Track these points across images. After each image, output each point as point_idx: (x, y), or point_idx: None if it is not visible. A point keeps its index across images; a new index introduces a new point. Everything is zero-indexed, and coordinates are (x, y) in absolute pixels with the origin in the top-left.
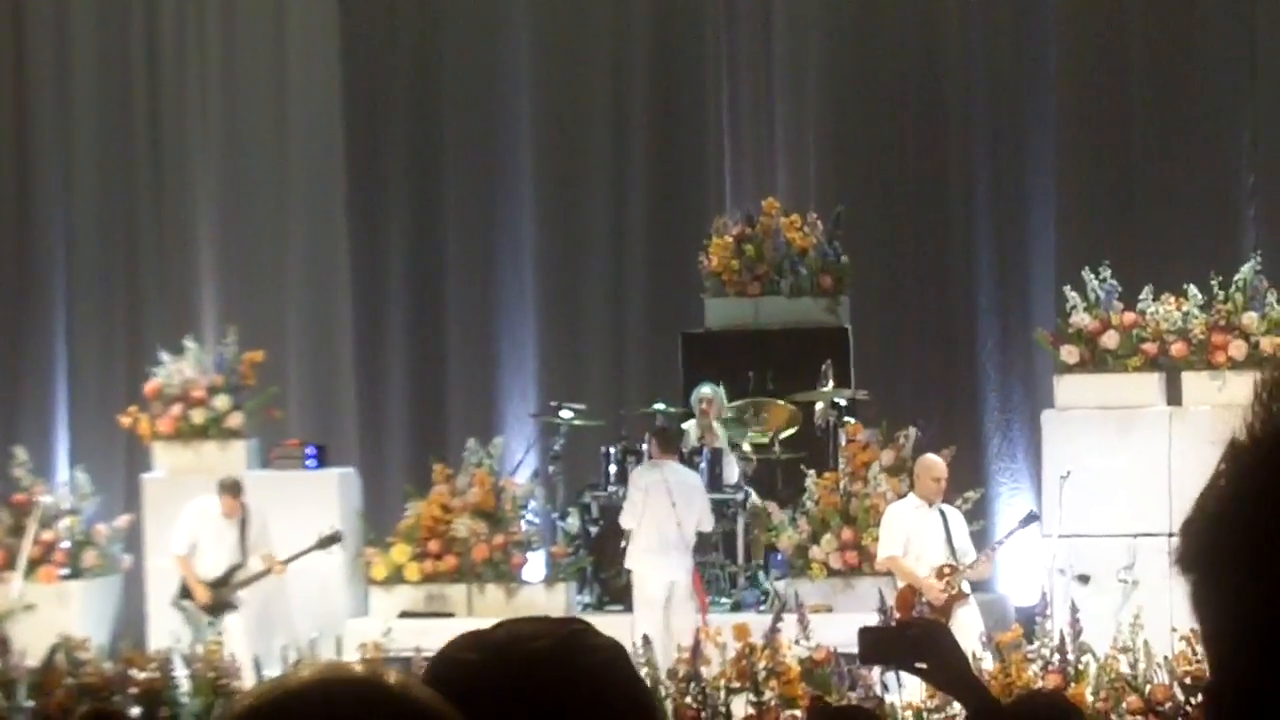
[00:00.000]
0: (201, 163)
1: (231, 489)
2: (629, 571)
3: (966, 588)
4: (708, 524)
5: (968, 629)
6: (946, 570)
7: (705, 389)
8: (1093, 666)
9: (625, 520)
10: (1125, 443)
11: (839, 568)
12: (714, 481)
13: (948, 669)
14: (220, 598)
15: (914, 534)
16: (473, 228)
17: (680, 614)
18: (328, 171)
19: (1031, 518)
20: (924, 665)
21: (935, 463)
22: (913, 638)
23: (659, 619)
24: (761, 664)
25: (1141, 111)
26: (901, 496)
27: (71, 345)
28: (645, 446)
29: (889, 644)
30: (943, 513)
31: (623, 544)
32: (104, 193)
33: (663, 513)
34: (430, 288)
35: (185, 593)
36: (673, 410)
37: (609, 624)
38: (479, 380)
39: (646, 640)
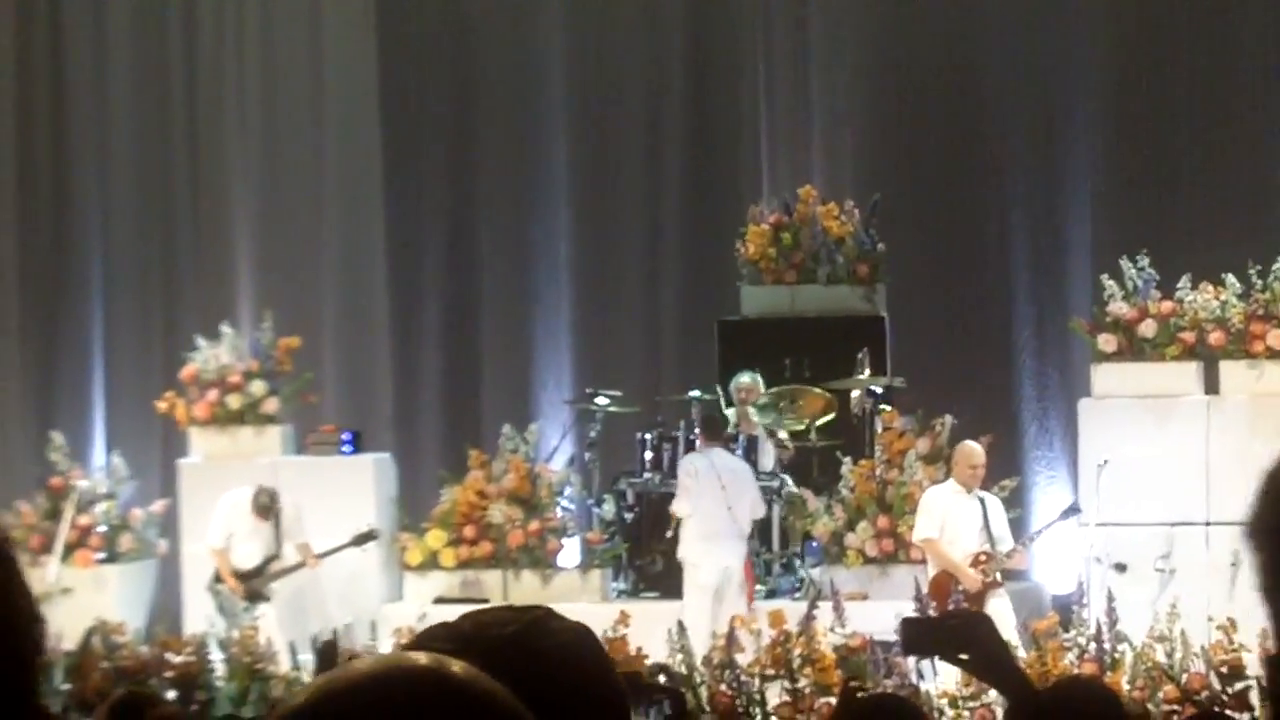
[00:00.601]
0: (238, 148)
1: (263, 511)
2: (680, 560)
3: (999, 576)
4: (760, 510)
5: (1000, 618)
6: (983, 558)
7: (744, 377)
8: (1129, 655)
9: (679, 507)
10: (1162, 432)
11: (874, 555)
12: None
13: (989, 659)
14: (254, 589)
15: (950, 519)
16: (508, 214)
17: (732, 602)
18: (364, 157)
19: (1073, 510)
20: (965, 656)
21: (973, 450)
22: (954, 628)
23: (708, 607)
24: (797, 651)
25: (1180, 99)
26: (937, 483)
27: (108, 330)
28: (693, 435)
29: (931, 635)
30: (982, 500)
31: (668, 533)
32: (141, 179)
33: (713, 499)
34: (466, 273)
35: (220, 579)
36: (709, 397)
37: (645, 610)
38: (514, 366)
39: (681, 627)
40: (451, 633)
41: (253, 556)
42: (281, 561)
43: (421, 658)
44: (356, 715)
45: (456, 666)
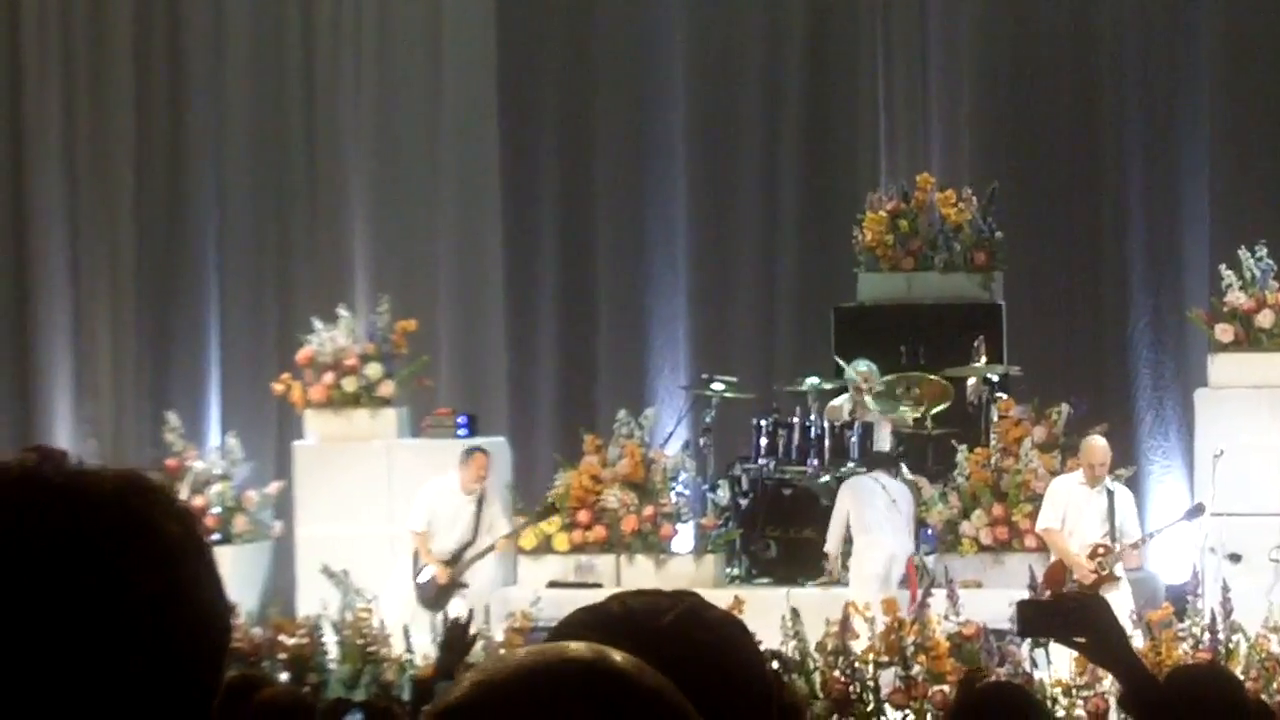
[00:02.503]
0: (355, 130)
1: (472, 452)
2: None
3: (1119, 570)
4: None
5: (1118, 610)
6: (1100, 550)
7: (861, 366)
8: (1243, 646)
9: (829, 543)
10: (1279, 422)
11: (989, 543)
12: (865, 454)
13: (1105, 644)
14: (452, 578)
15: (1073, 510)
16: (625, 199)
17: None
18: (481, 141)
19: (1196, 510)
20: (1081, 639)
21: (1093, 448)
22: (1070, 611)
23: (875, 596)
24: (910, 639)
25: None
26: (1054, 473)
27: (224, 312)
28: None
29: (1047, 617)
30: (1111, 493)
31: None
32: (257, 160)
33: (878, 498)
34: (582, 257)
35: (418, 574)
36: (825, 385)
37: (759, 596)
38: (630, 351)
39: (795, 613)
40: (599, 617)
41: (450, 545)
42: (475, 547)
43: (583, 649)
44: (520, 708)
45: (619, 658)
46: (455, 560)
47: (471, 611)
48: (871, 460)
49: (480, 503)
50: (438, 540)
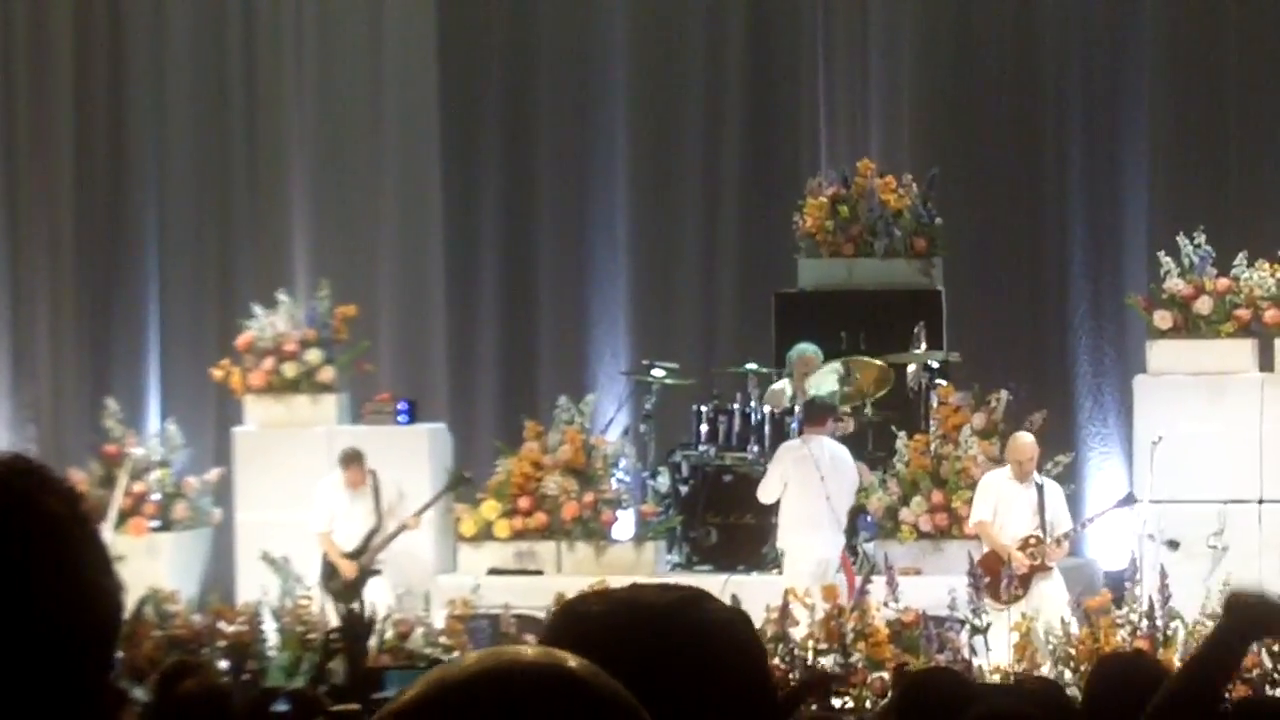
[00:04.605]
0: (296, 115)
1: (352, 459)
2: (781, 551)
3: (1050, 560)
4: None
5: (1050, 600)
6: (1032, 541)
7: (807, 348)
8: (1181, 632)
9: (761, 495)
10: (1217, 409)
11: (928, 530)
12: (805, 408)
13: None
14: (364, 566)
15: (1003, 504)
16: (566, 184)
17: None
18: (422, 125)
19: (1128, 500)
20: None
21: (1018, 446)
22: (1031, 693)
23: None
24: (850, 625)
25: (1236, 76)
26: (994, 461)
27: (164, 297)
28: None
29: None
30: (1040, 486)
31: (774, 519)
32: (197, 144)
33: (811, 489)
34: (523, 243)
35: (329, 572)
36: (765, 370)
37: (699, 583)
38: (570, 337)
39: (735, 599)
40: (608, 596)
41: (355, 535)
42: (383, 532)
43: (538, 652)
44: (473, 709)
45: (574, 662)
46: (363, 549)
47: (363, 599)
48: (808, 411)
49: (375, 490)
50: (343, 533)
